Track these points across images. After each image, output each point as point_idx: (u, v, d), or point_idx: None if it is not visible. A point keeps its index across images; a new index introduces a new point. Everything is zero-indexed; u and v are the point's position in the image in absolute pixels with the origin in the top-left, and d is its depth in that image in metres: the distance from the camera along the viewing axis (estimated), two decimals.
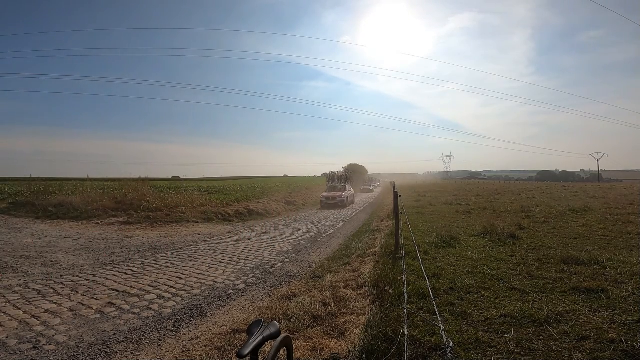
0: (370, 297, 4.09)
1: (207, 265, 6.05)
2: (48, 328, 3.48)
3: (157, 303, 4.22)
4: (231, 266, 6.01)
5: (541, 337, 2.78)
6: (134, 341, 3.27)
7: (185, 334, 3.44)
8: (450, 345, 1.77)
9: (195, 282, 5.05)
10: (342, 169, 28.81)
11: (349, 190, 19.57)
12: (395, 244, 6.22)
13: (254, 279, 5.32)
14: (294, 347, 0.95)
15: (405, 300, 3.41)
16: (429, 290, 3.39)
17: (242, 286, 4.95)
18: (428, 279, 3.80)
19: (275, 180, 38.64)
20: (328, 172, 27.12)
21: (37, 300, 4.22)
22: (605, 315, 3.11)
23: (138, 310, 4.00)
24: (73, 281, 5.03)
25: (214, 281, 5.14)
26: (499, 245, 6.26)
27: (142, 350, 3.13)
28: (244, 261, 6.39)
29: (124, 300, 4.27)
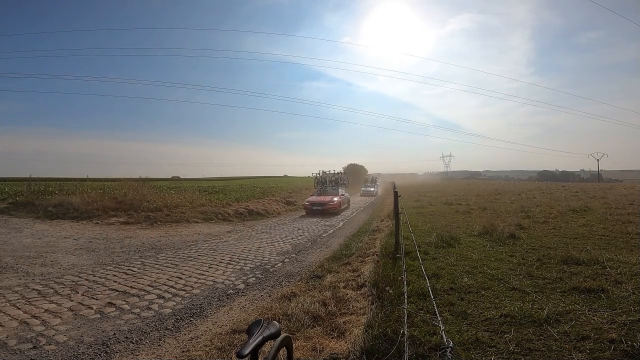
0: (370, 297, 4.09)
1: (207, 265, 6.05)
2: (48, 328, 3.48)
3: (157, 303, 4.22)
4: (231, 266, 6.01)
5: (541, 337, 2.78)
6: (134, 341, 3.27)
7: (185, 334, 3.44)
8: (450, 345, 1.77)
9: (195, 282, 5.05)
10: (334, 171, 21.77)
11: (343, 195, 16.84)
12: (395, 244, 6.22)
13: (254, 279, 5.32)
14: (294, 347, 0.95)
15: (405, 300, 3.41)
16: (429, 290, 3.39)
17: (242, 286, 4.95)
18: (428, 279, 3.80)
19: (275, 180, 38.68)
20: (317, 173, 20.68)
21: (37, 300, 4.22)
22: (605, 315, 3.11)
23: (138, 310, 4.00)
24: (73, 281, 5.03)
25: (214, 281, 5.14)
26: (499, 245, 6.26)
27: (142, 350, 3.13)
28: (244, 261, 6.39)
29: (124, 300, 4.27)
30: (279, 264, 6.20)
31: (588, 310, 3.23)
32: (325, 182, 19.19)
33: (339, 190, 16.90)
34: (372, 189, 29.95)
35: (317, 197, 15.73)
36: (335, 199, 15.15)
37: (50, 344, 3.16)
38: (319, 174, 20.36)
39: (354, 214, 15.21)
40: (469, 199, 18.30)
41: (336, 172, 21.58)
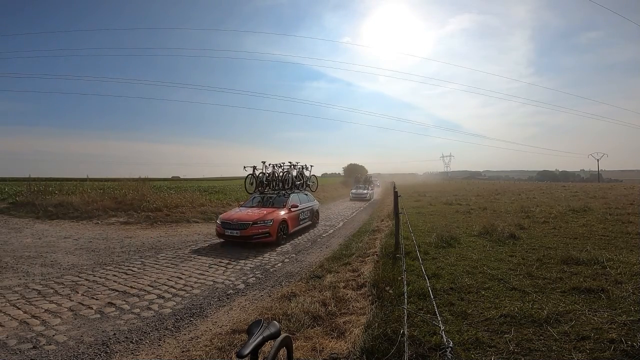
0: (370, 297, 4.09)
1: (207, 265, 6.05)
2: (48, 328, 3.48)
3: (157, 303, 4.23)
4: (231, 266, 6.01)
5: (541, 337, 2.78)
6: (134, 341, 3.27)
7: (185, 334, 3.44)
8: (450, 345, 1.77)
9: (195, 282, 5.05)
10: (291, 163, 11.35)
11: (297, 206, 9.35)
12: (395, 244, 6.22)
13: (253, 279, 5.32)
14: (294, 347, 0.95)
15: (405, 300, 3.41)
16: (429, 290, 3.39)
17: (242, 286, 4.95)
18: (428, 279, 3.80)
19: None
20: (254, 168, 10.41)
21: (37, 300, 4.22)
22: (605, 315, 3.11)
23: (138, 310, 4.00)
24: (73, 281, 5.03)
25: (214, 281, 5.14)
26: (499, 245, 6.26)
27: (142, 350, 3.13)
28: (243, 261, 6.39)
29: (124, 300, 4.27)
30: (279, 264, 6.20)
31: (588, 310, 3.23)
32: (269, 183, 10.35)
33: (293, 197, 9.54)
34: (365, 192, 23.32)
35: (243, 210, 8.59)
36: (282, 212, 8.38)
37: (50, 344, 3.17)
38: (258, 169, 10.34)
39: (354, 213, 15.15)
40: (469, 199, 18.30)
41: (294, 165, 11.31)
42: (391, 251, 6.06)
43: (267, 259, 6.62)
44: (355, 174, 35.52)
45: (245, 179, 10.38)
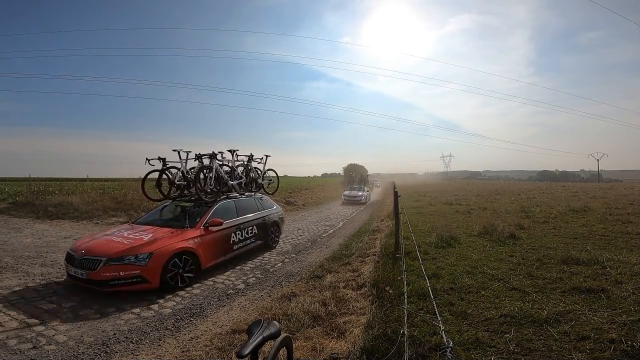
0: (370, 297, 4.09)
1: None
2: (48, 328, 3.48)
3: (157, 303, 4.22)
4: (230, 266, 6.01)
5: (541, 337, 2.78)
6: (134, 341, 3.27)
7: (185, 334, 3.44)
8: (450, 345, 1.77)
9: (195, 282, 5.04)
10: (232, 155, 7.02)
11: (217, 225, 5.49)
12: (395, 244, 6.22)
13: (254, 278, 5.32)
14: (294, 347, 0.95)
15: (405, 300, 3.41)
16: (429, 290, 3.39)
17: (242, 286, 4.95)
18: (428, 279, 3.80)
19: None
20: (165, 163, 6.11)
21: (37, 300, 4.22)
22: (605, 315, 3.11)
23: (138, 310, 4.01)
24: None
25: (214, 281, 5.14)
26: (499, 245, 6.26)
27: (142, 350, 3.13)
28: (243, 261, 6.38)
29: (124, 300, 4.27)
30: (279, 264, 6.20)
31: (588, 310, 3.23)
32: (189, 184, 6.35)
33: (220, 207, 6.03)
34: (360, 194, 20.00)
35: (124, 232, 5.13)
36: (185, 236, 5.00)
37: (50, 344, 3.16)
38: (169, 162, 6.26)
39: (354, 214, 15.12)
40: (469, 199, 18.30)
41: (219, 154, 6.81)
42: (391, 251, 6.06)
43: (267, 259, 6.62)
44: (349, 173, 31.42)
45: (144, 179, 6.44)
